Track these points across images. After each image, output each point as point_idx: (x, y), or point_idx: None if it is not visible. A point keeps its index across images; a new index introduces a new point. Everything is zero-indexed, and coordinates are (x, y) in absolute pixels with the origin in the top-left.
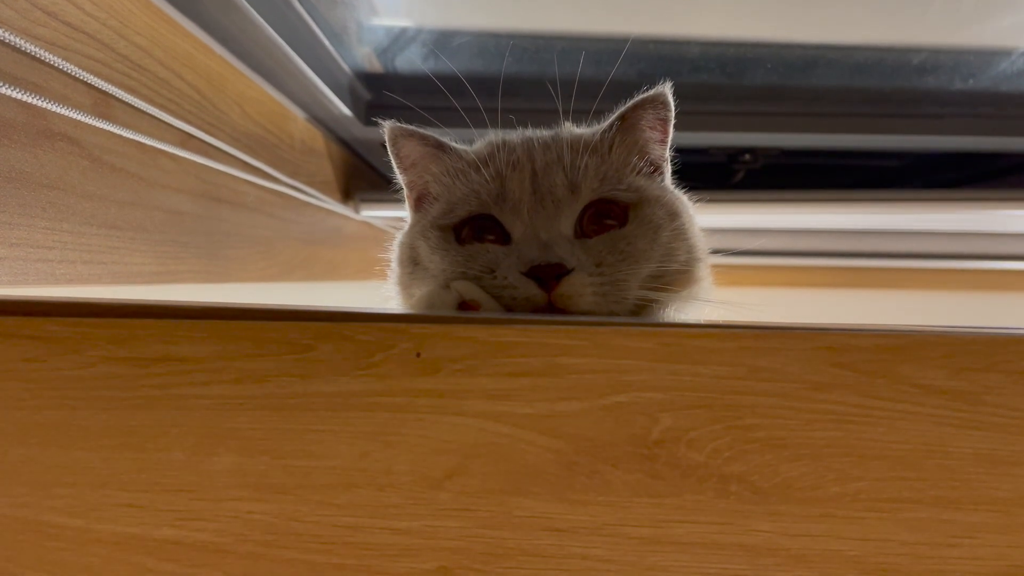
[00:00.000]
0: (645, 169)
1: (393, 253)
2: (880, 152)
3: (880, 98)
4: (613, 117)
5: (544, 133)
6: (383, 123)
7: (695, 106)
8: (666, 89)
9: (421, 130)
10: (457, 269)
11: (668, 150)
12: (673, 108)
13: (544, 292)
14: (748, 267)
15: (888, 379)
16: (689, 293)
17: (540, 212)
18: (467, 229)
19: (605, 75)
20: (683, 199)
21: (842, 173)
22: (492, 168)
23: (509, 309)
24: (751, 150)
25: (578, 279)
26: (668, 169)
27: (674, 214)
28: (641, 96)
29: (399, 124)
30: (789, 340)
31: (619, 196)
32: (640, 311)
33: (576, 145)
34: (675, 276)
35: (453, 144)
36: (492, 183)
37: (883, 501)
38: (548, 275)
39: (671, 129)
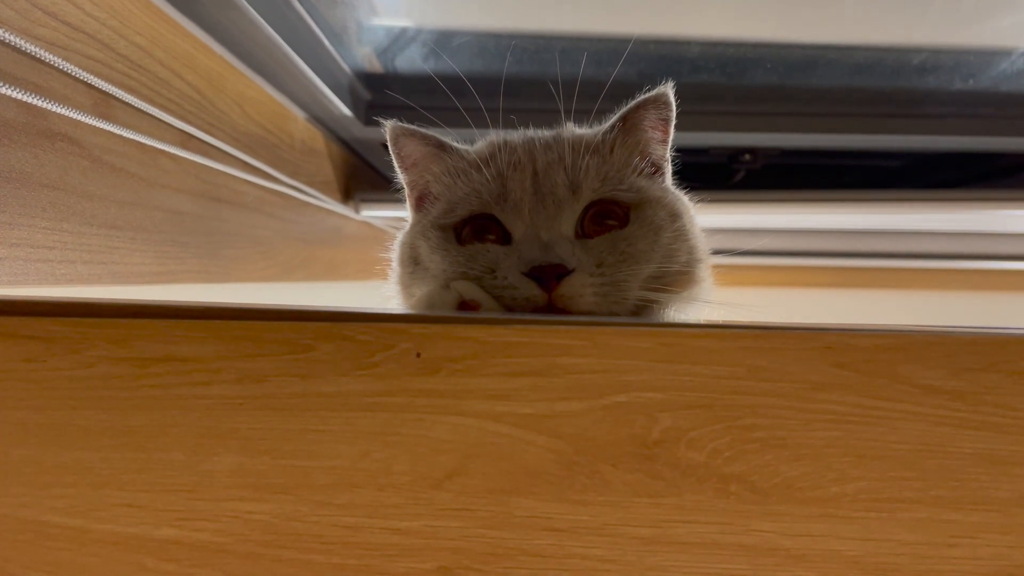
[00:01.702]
0: (646, 169)
1: (394, 252)
2: (880, 152)
3: (880, 98)
4: (615, 118)
5: (545, 133)
6: (385, 122)
7: (695, 106)
8: (668, 89)
9: (423, 130)
10: (458, 269)
11: (669, 150)
12: (675, 108)
13: (544, 292)
14: (748, 267)
15: (888, 379)
16: (690, 294)
17: (541, 212)
18: (468, 229)
19: (605, 75)
20: (684, 200)
21: (842, 173)
22: (493, 168)
23: (509, 309)
24: (751, 150)
25: (578, 280)
26: (669, 169)
27: (675, 215)
28: (643, 96)
29: (400, 123)
30: (789, 340)
31: (620, 197)
32: (640, 312)
33: (577, 145)
34: (676, 277)
35: (454, 144)
36: (493, 183)
37: (883, 501)
38: (549, 275)
39: (672, 129)
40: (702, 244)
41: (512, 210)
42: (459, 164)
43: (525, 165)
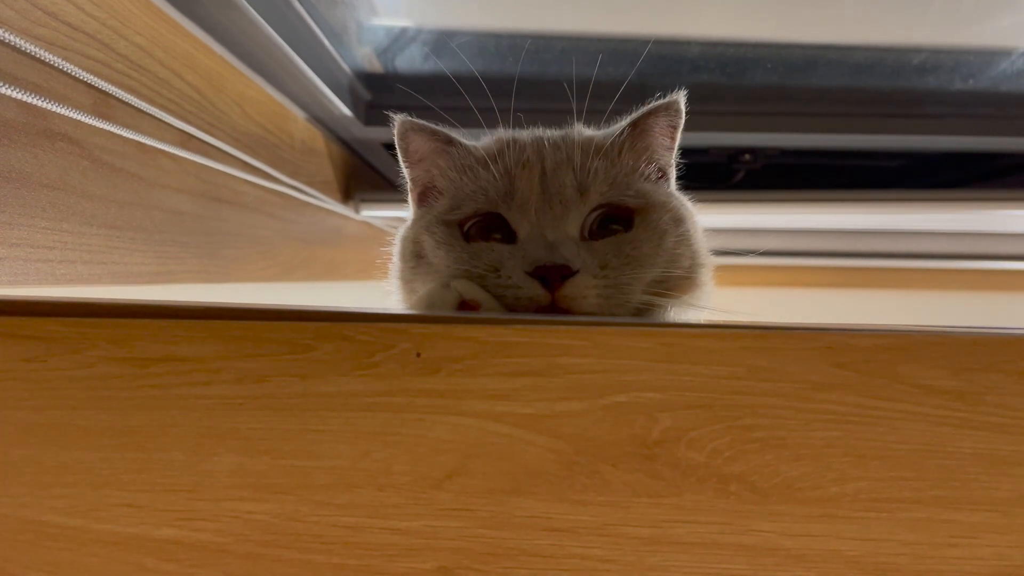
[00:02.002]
0: (653, 175)
1: (395, 248)
2: (880, 152)
3: (880, 98)
4: (625, 122)
5: (554, 133)
6: (394, 116)
7: (695, 106)
8: (680, 97)
9: (431, 125)
10: (462, 266)
11: (675, 156)
12: (684, 115)
13: (548, 293)
14: (748, 267)
15: (888, 379)
16: (691, 298)
17: (548, 212)
18: (473, 226)
19: (605, 75)
20: (687, 205)
21: (842, 173)
22: (501, 165)
23: (512, 309)
24: (751, 150)
25: (582, 281)
26: (673, 174)
27: (679, 220)
28: (655, 103)
29: (410, 118)
30: (789, 340)
31: (627, 201)
32: (641, 314)
33: (587, 147)
34: (678, 281)
35: (462, 139)
36: (500, 181)
37: (883, 501)
38: (553, 276)
39: (679, 136)
40: (704, 248)
41: (518, 209)
42: (466, 160)
43: (534, 164)
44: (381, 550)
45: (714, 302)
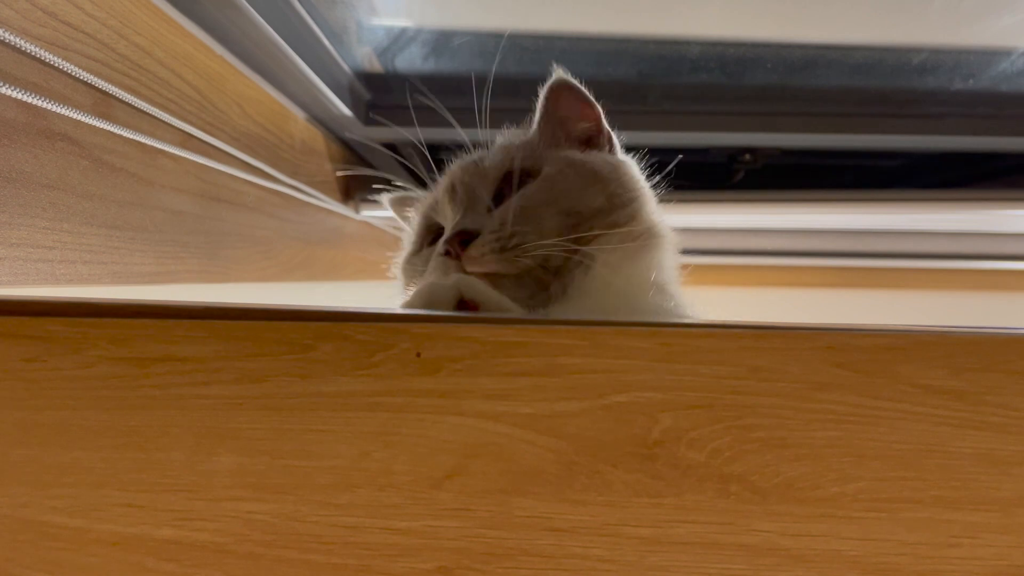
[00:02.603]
0: (569, 145)
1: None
2: (880, 152)
3: (880, 98)
4: (537, 114)
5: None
6: (387, 196)
7: (695, 106)
8: (558, 75)
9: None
10: (417, 268)
11: (603, 124)
12: (580, 86)
13: (454, 260)
14: (748, 267)
15: (888, 379)
16: (620, 240)
17: (463, 201)
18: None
19: (605, 75)
20: (616, 159)
21: (842, 173)
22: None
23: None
24: (751, 150)
25: (480, 240)
26: (614, 142)
27: (581, 165)
28: (544, 88)
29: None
30: (789, 340)
31: (525, 165)
32: (566, 268)
33: (499, 144)
34: (592, 220)
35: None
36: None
37: (883, 501)
38: (455, 243)
39: (595, 103)
40: (642, 198)
41: (440, 208)
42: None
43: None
44: (381, 550)
45: (694, 294)
